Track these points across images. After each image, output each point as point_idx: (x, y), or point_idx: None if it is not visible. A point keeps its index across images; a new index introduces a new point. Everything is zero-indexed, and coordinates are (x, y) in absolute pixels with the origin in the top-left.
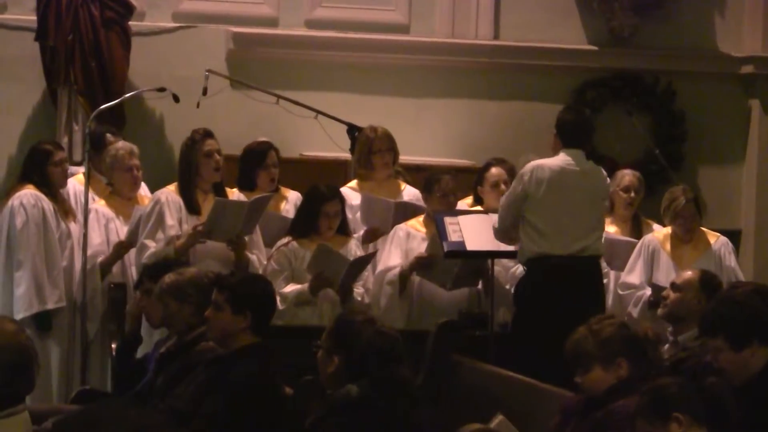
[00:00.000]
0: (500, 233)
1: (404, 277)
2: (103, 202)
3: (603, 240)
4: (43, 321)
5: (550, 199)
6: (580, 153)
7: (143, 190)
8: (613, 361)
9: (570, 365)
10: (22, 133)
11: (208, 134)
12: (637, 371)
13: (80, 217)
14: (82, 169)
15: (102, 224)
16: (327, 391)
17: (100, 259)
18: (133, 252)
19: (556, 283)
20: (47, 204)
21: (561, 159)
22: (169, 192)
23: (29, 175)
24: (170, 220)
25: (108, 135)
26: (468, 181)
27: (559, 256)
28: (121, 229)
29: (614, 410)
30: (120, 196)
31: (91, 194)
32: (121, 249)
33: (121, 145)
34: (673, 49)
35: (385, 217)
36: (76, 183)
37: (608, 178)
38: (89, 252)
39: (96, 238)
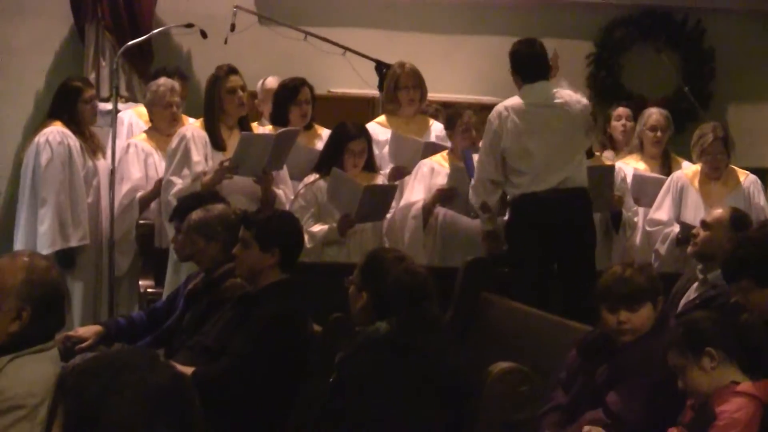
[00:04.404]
0: (481, 183)
1: (427, 210)
2: (143, 136)
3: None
4: (65, 258)
5: (520, 138)
6: (544, 84)
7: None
8: (656, 299)
9: (607, 305)
10: (50, 69)
11: (231, 70)
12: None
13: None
14: (130, 105)
15: (141, 159)
16: (356, 328)
17: (140, 194)
18: None
19: (542, 218)
20: (74, 141)
21: (524, 96)
22: (195, 128)
23: (59, 112)
24: (196, 156)
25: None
26: None
27: (541, 191)
28: (159, 164)
29: (640, 356)
30: (159, 132)
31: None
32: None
33: (163, 81)
34: None
35: (413, 156)
36: (133, 114)
37: (582, 101)
38: (129, 186)
39: (136, 173)
